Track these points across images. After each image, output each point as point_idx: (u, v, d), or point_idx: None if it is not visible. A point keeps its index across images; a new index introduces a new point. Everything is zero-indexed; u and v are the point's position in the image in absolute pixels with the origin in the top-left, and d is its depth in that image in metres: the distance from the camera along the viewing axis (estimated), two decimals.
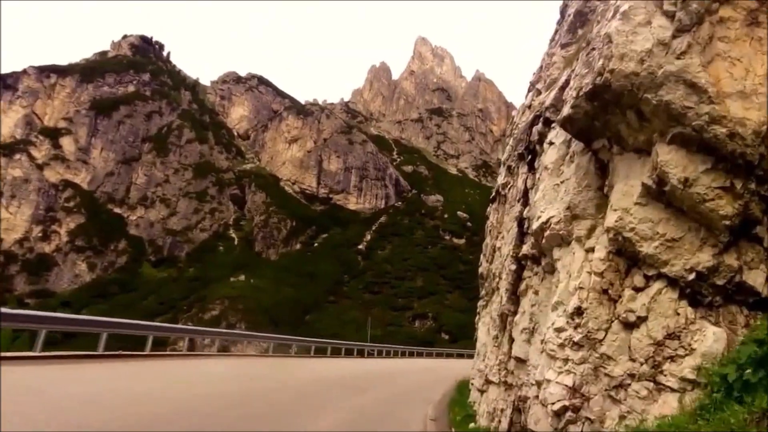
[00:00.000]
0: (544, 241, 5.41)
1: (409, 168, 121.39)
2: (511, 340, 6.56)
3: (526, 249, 6.28)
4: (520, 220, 6.78)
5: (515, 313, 6.57)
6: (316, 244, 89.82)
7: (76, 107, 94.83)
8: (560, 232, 5.04)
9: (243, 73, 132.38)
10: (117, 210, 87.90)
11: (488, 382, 7.74)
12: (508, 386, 6.65)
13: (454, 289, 76.90)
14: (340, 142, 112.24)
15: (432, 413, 9.71)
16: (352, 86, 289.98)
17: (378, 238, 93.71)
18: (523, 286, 6.41)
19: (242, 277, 71.89)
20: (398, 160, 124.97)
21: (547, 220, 5.28)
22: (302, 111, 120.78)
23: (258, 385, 11.41)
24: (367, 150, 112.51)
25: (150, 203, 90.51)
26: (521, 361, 6.01)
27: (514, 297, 6.69)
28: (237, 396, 8.99)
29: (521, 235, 6.69)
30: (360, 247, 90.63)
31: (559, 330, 4.48)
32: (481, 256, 11.34)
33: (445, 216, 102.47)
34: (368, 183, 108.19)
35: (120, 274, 77.06)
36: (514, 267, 6.71)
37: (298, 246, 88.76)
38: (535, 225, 5.65)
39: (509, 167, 8.81)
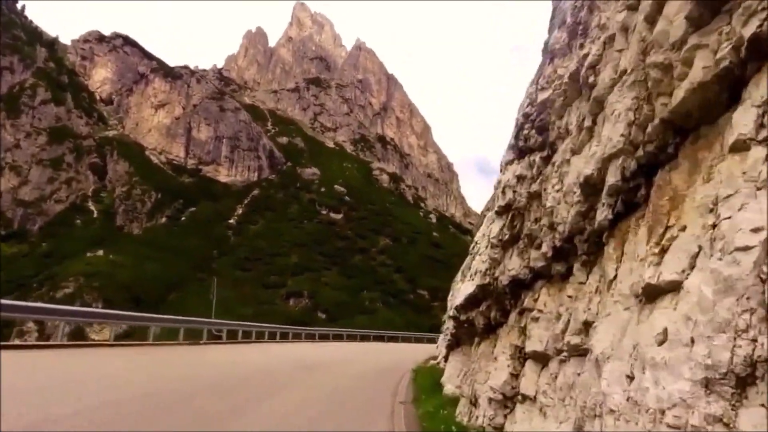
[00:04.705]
0: None
1: (284, 140, 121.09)
2: None
3: None
4: None
5: None
6: (183, 218, 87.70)
7: None
8: None
9: (107, 33, 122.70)
10: None
11: None
12: None
13: (331, 266, 76.72)
14: (210, 108, 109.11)
15: None
16: (226, 52, 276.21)
17: (250, 212, 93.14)
18: None
19: (100, 253, 69.47)
20: (273, 131, 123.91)
21: None
22: (171, 74, 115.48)
23: None
24: (240, 118, 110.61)
25: None
26: None
27: None
28: None
29: None
30: (231, 221, 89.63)
31: None
32: None
33: (322, 190, 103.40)
34: (240, 154, 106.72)
35: None
36: None
37: (163, 220, 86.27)
38: None
39: None
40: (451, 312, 10.00)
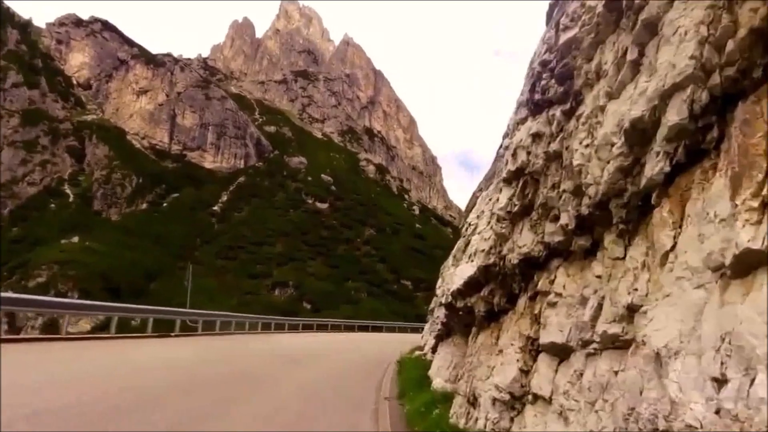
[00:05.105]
0: None
1: (271, 128, 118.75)
2: None
3: None
4: None
5: None
6: (165, 204, 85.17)
7: None
8: None
9: (85, 17, 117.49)
10: None
11: None
12: None
13: (316, 256, 75.09)
14: (196, 96, 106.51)
15: None
16: (212, 42, 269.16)
17: (235, 199, 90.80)
18: None
19: (76, 239, 66.79)
20: (260, 120, 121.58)
21: None
22: (153, 61, 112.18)
23: None
24: (227, 107, 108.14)
25: None
26: None
27: None
28: None
29: None
30: (215, 208, 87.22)
31: None
32: None
33: (309, 179, 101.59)
34: (227, 141, 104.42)
35: None
36: None
37: (144, 205, 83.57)
38: None
39: None
40: (443, 299, 9.02)
